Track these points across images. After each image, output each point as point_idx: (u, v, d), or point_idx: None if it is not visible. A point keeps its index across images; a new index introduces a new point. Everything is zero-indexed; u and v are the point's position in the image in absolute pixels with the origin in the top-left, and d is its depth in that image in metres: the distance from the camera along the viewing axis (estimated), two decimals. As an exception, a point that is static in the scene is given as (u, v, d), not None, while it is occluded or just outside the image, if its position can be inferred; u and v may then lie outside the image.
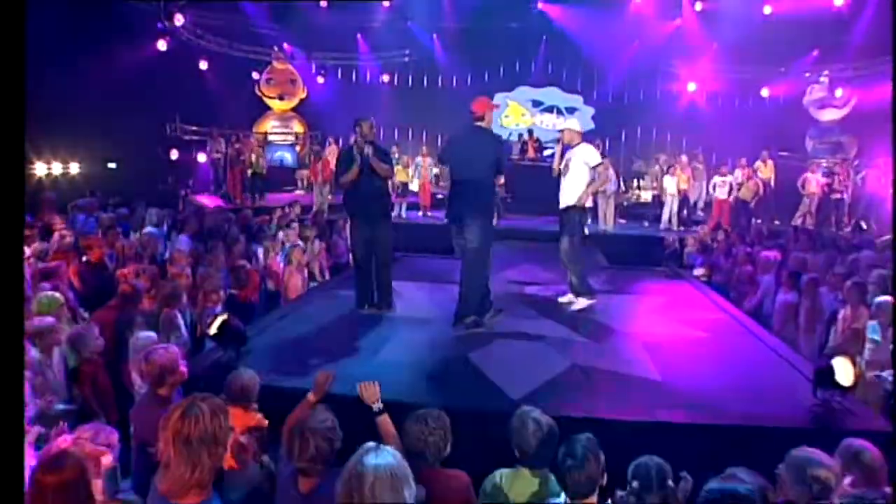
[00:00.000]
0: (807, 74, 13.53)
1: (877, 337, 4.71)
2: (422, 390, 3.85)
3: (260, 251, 7.60)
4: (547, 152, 13.69)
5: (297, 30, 15.39)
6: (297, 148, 15.75)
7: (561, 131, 6.04)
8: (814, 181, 10.84)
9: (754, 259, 7.59)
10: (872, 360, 4.62)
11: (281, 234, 8.17)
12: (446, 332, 5.01)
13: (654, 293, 6.76)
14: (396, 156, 12.40)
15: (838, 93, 12.79)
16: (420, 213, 12.41)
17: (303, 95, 16.22)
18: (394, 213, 12.09)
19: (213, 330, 4.03)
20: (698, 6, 13.94)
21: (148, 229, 7.46)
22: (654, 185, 11.24)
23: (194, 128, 13.40)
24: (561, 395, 3.86)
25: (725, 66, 14.61)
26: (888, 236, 8.20)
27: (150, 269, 5.38)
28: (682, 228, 11.03)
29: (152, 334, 3.71)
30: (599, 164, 5.75)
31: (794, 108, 13.85)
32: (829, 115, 13.28)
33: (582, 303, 5.80)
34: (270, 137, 15.84)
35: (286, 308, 5.80)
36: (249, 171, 12.01)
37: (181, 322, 4.53)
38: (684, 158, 11.14)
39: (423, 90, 17.96)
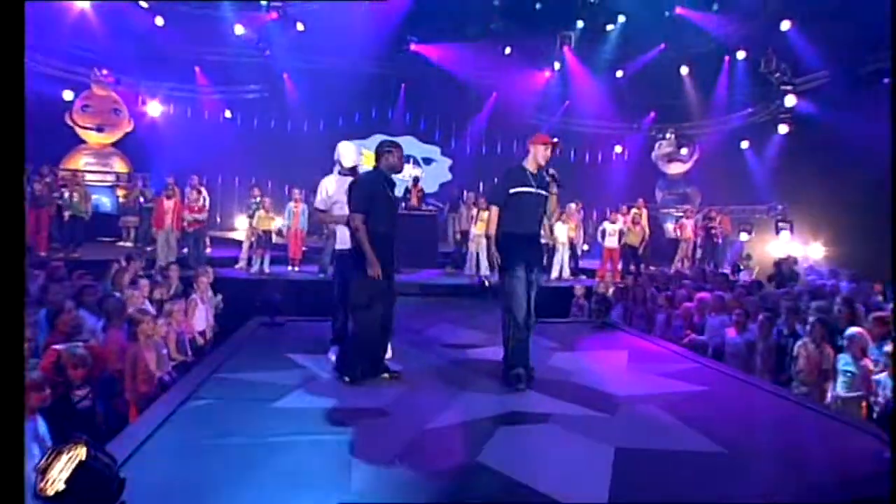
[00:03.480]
0: (652, 132, 14.76)
1: (851, 369, 4.73)
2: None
3: (91, 321, 5.42)
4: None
5: (127, 51, 12.76)
6: (119, 191, 12.80)
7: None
8: (689, 226, 11.47)
9: (673, 302, 7.47)
10: (850, 391, 4.70)
11: (117, 296, 6.00)
12: (415, 424, 3.60)
13: (604, 347, 6.01)
14: (258, 199, 10.55)
15: (683, 151, 14.09)
16: (289, 268, 10.56)
17: (129, 129, 13.41)
18: (254, 269, 10.26)
19: (57, 485, 2.07)
20: (556, 65, 14.56)
21: None
22: (543, 233, 10.89)
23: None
24: (645, 497, 2.79)
25: (583, 121, 15.40)
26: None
27: None
28: (572, 277, 10.81)
29: None
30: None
31: (645, 161, 14.96)
32: (675, 168, 14.55)
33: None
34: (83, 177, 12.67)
35: (159, 409, 3.83)
36: (67, 214, 9.12)
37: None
38: (572, 206, 11.06)
39: (271, 132, 16.31)
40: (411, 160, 18.15)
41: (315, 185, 13.87)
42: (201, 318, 6.94)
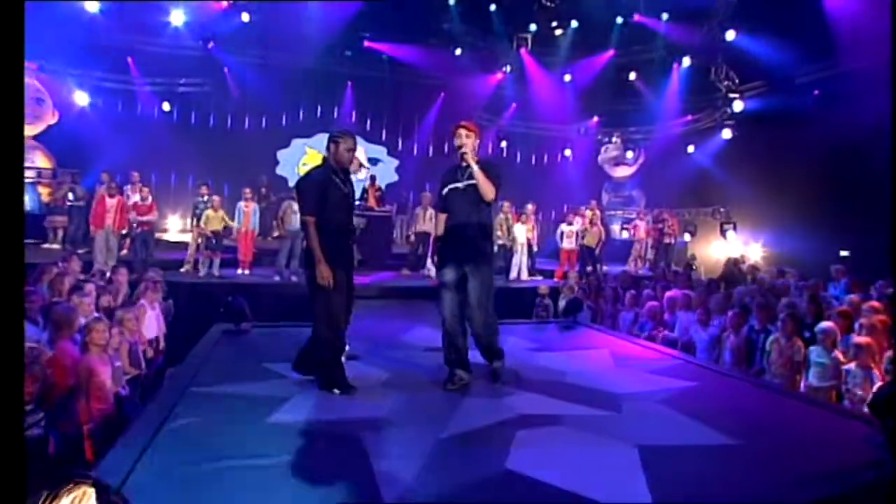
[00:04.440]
0: (600, 136, 15.14)
1: (823, 360, 5.03)
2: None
3: (32, 331, 4.86)
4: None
5: (51, 36, 11.64)
6: (42, 189, 11.68)
7: None
8: (642, 227, 11.79)
9: (639, 301, 7.63)
10: (822, 381, 5.01)
11: (66, 303, 5.41)
12: (428, 432, 3.38)
13: (584, 346, 6.04)
14: (205, 197, 9.92)
15: (629, 154, 14.53)
16: (239, 271, 9.98)
17: (52, 121, 12.27)
18: (202, 272, 9.63)
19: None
20: (508, 68, 14.66)
21: None
22: (500, 233, 10.92)
23: None
24: (687, 494, 2.79)
25: (533, 123, 15.56)
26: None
27: None
28: (530, 278, 10.86)
29: None
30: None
31: (593, 164, 15.32)
32: (621, 171, 14.98)
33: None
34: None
35: (137, 433, 3.37)
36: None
37: None
38: (530, 207, 11.09)
39: (210, 128, 15.53)
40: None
41: (259, 183, 13.25)
42: (152, 325, 6.41)
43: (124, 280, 6.54)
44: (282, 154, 17.32)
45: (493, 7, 13.26)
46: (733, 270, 9.21)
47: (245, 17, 13.14)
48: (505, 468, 2.94)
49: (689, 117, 13.31)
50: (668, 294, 7.01)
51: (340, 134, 4.18)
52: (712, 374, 5.07)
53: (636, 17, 12.53)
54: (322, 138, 18.10)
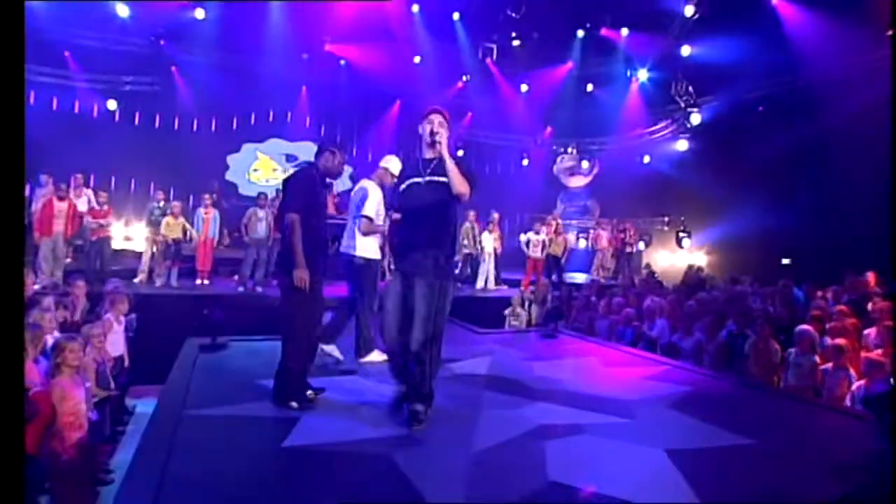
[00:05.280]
0: (554, 147, 15.45)
1: (802, 361, 5.31)
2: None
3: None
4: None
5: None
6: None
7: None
8: (604, 237, 12.07)
9: (613, 309, 7.80)
10: (801, 381, 5.26)
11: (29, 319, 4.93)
12: (458, 448, 3.28)
13: (572, 354, 6.09)
14: (161, 203, 9.36)
15: (585, 165, 14.90)
16: (198, 282, 9.44)
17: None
18: (160, 282, 9.05)
19: None
20: (466, 77, 14.74)
21: None
22: (466, 242, 10.90)
23: None
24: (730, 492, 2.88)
25: (490, 132, 15.67)
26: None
27: None
28: (496, 287, 10.89)
29: None
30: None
31: (549, 174, 15.59)
32: (576, 181, 15.33)
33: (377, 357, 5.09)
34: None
35: (142, 470, 3.02)
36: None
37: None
38: (496, 216, 11.13)
39: (155, 130, 14.70)
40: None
41: (210, 189, 12.66)
42: (118, 341, 5.96)
43: (82, 293, 6.02)
44: (232, 159, 16.66)
45: (456, 16, 13.29)
46: (693, 278, 9.57)
47: (199, 13, 12.54)
48: (550, 480, 2.90)
49: (646, 129, 13.80)
50: (646, 304, 7.17)
51: (336, 147, 4.13)
52: (702, 378, 5.20)
53: (603, 31, 12.88)
54: (274, 143, 17.59)
